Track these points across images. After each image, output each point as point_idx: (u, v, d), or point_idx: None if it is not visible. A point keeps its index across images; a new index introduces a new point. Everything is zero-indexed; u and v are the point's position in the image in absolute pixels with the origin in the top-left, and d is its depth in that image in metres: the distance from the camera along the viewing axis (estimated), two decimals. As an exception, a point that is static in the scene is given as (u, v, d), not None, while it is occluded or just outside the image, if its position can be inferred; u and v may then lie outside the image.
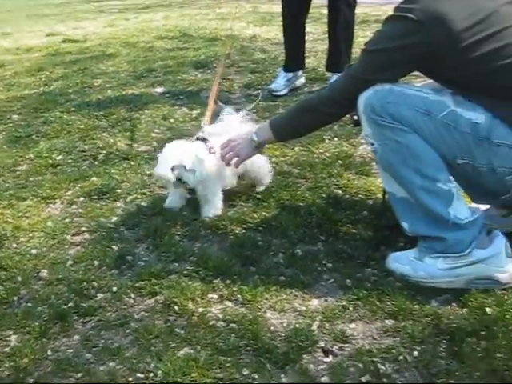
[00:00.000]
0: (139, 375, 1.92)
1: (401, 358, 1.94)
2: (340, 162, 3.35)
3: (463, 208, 2.28)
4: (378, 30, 2.36)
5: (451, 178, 2.29)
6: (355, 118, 2.44)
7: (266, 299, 2.24)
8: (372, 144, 2.33)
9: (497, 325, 2.04)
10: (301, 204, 2.89)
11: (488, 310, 2.12)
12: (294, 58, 4.70)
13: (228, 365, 1.94)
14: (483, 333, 2.01)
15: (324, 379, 1.88)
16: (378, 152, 2.31)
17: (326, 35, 6.55)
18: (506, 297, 2.18)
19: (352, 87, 2.35)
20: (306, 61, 5.20)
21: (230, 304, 2.24)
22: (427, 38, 2.17)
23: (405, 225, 2.35)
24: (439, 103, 2.24)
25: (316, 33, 6.71)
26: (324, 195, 2.97)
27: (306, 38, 6.41)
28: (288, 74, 4.64)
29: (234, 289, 2.30)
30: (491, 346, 1.96)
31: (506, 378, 1.84)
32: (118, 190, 3.14)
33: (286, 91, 4.58)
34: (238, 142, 2.68)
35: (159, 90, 4.88)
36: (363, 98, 2.29)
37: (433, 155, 2.24)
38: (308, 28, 6.92)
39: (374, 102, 2.26)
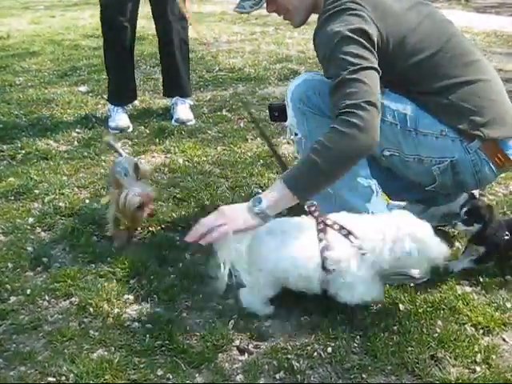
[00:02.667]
0: (50, 379, 1.88)
1: (315, 354, 1.96)
2: (261, 161, 3.37)
3: (381, 205, 2.32)
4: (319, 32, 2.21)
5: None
6: (276, 114, 2.46)
7: (183, 299, 2.23)
8: (296, 134, 2.32)
9: (409, 320, 2.09)
10: (220, 203, 2.86)
11: (401, 306, 2.17)
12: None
13: (142, 366, 1.92)
14: (395, 328, 2.06)
15: (239, 377, 1.89)
16: (301, 142, 2.31)
17: (254, 36, 6.70)
18: (418, 292, 2.24)
19: (347, 88, 2.04)
20: (233, 61, 5.24)
21: (146, 305, 2.21)
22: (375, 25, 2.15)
23: None
24: None
25: (244, 33, 6.74)
26: (244, 194, 2.98)
27: (234, 38, 6.54)
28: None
29: (151, 289, 2.27)
30: (403, 340, 2.01)
31: (416, 370, 1.89)
32: (36, 191, 3.06)
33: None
34: (231, 210, 2.07)
35: (83, 88, 4.80)
36: (292, 87, 2.29)
37: None
38: (236, 28, 7.05)
39: (303, 91, 2.26)
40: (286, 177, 2.03)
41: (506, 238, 2.28)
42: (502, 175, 3.08)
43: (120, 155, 2.79)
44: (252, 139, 3.69)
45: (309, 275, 2.04)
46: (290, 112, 2.33)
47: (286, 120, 2.60)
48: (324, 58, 2.15)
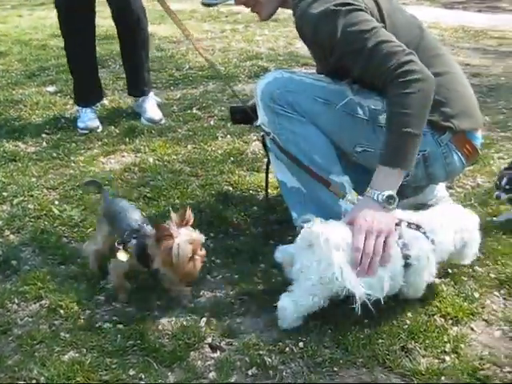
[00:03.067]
0: (21, 383, 1.86)
1: (287, 349, 1.97)
2: (232, 158, 3.37)
3: (354, 201, 2.32)
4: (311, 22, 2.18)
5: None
6: (238, 116, 2.46)
7: (154, 298, 2.22)
8: (268, 133, 2.33)
9: (379, 312, 2.09)
10: (191, 202, 2.88)
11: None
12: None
13: (114, 366, 1.91)
14: (366, 321, 2.08)
15: (211, 375, 1.89)
16: (273, 141, 2.31)
17: (224, 33, 6.68)
18: (388, 285, 2.26)
19: (380, 53, 2.09)
20: (203, 59, 5.18)
21: (117, 305, 2.20)
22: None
23: (294, 215, 2.38)
24: (338, 92, 2.28)
25: (214, 31, 6.73)
26: (214, 192, 2.98)
27: (205, 36, 6.52)
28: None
29: (122, 289, 2.27)
30: (374, 332, 2.03)
31: (387, 362, 1.91)
32: (4, 193, 3.03)
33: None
34: (375, 221, 2.01)
35: (51, 89, 4.73)
36: (262, 85, 2.29)
37: (328, 147, 2.29)
38: (206, 26, 7.02)
39: (273, 89, 2.25)
40: (391, 160, 2.06)
41: None
42: (470, 168, 3.14)
43: (105, 196, 2.41)
44: (222, 137, 3.69)
45: (394, 274, 2.03)
46: (260, 111, 2.32)
47: (248, 122, 2.61)
48: (333, 41, 2.15)
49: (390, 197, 2.03)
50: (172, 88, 4.71)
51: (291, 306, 2.01)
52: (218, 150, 3.49)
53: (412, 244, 2.04)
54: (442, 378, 1.85)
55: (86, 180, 2.73)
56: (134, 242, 2.15)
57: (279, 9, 2.41)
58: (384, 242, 1.98)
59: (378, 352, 1.95)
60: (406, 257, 2.02)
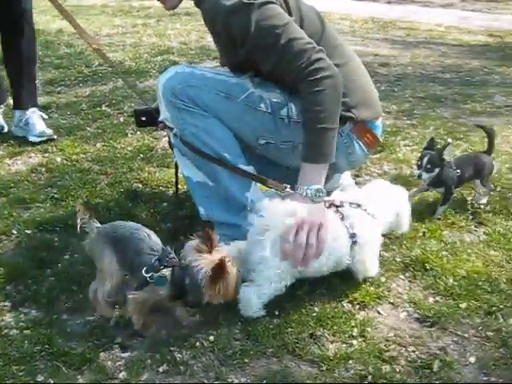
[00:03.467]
0: None
1: (197, 344, 1.98)
2: (141, 155, 3.35)
3: (259, 193, 2.35)
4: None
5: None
6: (143, 119, 2.44)
7: (63, 301, 2.18)
8: (171, 128, 2.31)
9: (289, 302, 2.14)
10: (100, 200, 2.85)
11: (282, 288, 2.22)
12: None
13: (21, 373, 1.87)
14: (276, 311, 2.11)
15: (122, 374, 1.87)
16: (176, 136, 2.30)
17: (135, 28, 6.60)
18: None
19: (291, 51, 2.13)
20: (114, 54, 5.14)
21: (24, 310, 2.14)
22: None
23: (201, 209, 2.39)
24: (239, 86, 2.29)
25: (125, 26, 6.64)
26: (124, 190, 2.95)
27: (115, 31, 6.43)
28: None
29: (29, 294, 2.21)
30: (283, 322, 2.06)
31: (296, 350, 1.95)
32: None
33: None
34: (313, 215, 2.06)
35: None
36: (163, 80, 2.28)
37: (231, 140, 2.30)
38: (117, 21, 6.92)
39: (174, 84, 2.25)
40: (312, 157, 2.14)
41: (458, 174, 2.69)
42: (377, 155, 3.23)
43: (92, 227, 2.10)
44: (132, 134, 3.65)
45: (342, 254, 2.14)
46: (162, 106, 2.31)
47: (153, 124, 2.59)
48: (245, 34, 2.16)
49: (318, 190, 2.09)
50: (81, 85, 4.63)
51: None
52: (127, 147, 3.46)
53: (357, 222, 2.14)
54: (350, 361, 1.90)
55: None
56: (165, 271, 1.96)
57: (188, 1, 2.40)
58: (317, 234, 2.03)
59: (288, 341, 1.98)
60: (352, 236, 2.13)
